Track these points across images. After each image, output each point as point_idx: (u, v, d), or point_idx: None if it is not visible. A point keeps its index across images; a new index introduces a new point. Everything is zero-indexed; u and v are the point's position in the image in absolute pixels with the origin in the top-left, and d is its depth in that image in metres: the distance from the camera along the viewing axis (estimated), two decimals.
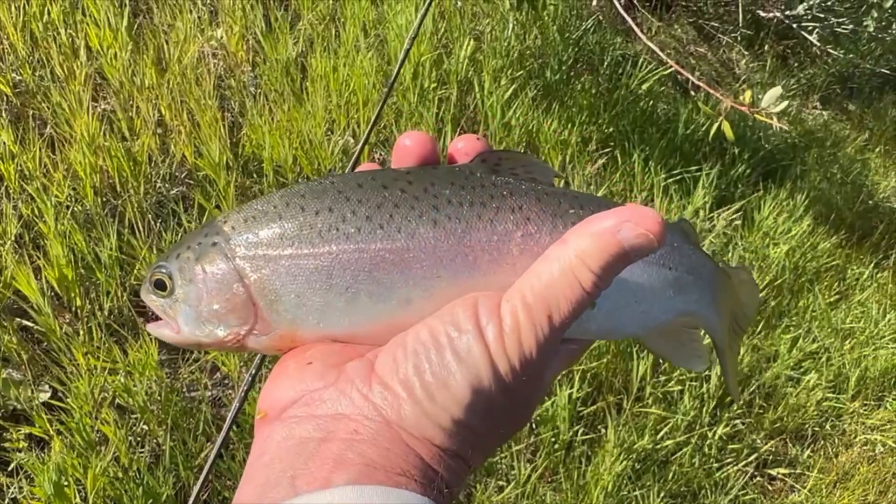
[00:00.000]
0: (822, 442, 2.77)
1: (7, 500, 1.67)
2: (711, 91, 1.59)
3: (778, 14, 4.26)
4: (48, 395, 1.87)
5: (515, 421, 0.53)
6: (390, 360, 0.50)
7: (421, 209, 0.55)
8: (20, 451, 1.72)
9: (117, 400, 1.86)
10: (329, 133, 2.72)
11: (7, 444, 1.75)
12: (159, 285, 0.57)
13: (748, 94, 1.39)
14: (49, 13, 2.68)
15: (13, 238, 2.01)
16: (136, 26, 2.80)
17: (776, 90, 1.33)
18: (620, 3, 3.22)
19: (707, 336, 0.74)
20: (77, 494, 1.66)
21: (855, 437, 2.82)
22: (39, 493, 1.60)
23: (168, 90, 2.57)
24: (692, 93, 3.96)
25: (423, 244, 0.54)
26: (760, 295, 2.94)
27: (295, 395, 0.50)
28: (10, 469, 1.71)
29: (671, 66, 3.38)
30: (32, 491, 1.63)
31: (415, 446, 0.48)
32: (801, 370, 2.86)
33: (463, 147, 0.61)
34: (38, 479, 1.59)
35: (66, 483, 1.64)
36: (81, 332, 1.93)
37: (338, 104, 2.77)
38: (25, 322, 1.96)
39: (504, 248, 0.56)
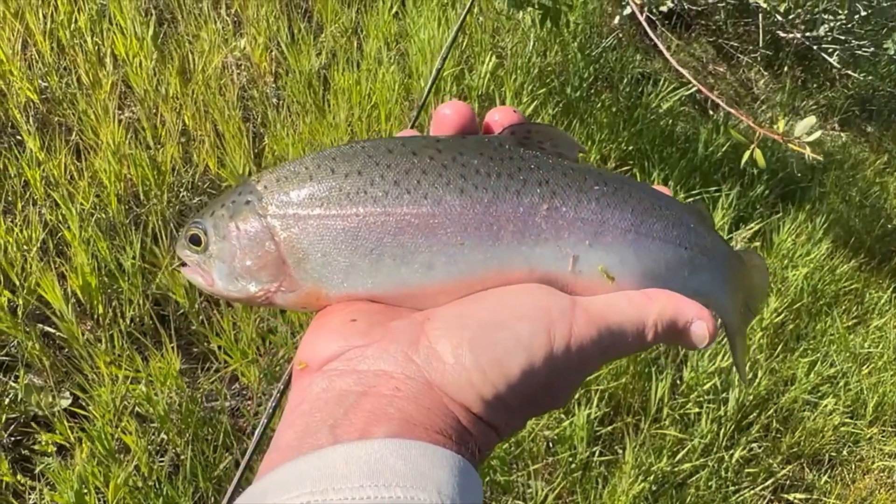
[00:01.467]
0: (840, 468, 2.75)
1: None
2: (742, 117, 1.59)
3: (798, 35, 4.26)
4: (69, 401, 1.88)
5: (551, 405, 0.55)
6: (445, 325, 0.52)
7: (448, 177, 0.56)
8: (48, 454, 1.72)
9: (137, 409, 1.86)
10: None
11: (35, 448, 1.76)
12: (194, 240, 0.59)
13: (781, 123, 1.38)
14: (76, 21, 2.70)
15: (38, 245, 2.03)
16: (161, 35, 2.82)
17: (810, 119, 1.32)
18: (642, 24, 3.23)
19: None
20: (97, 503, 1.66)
21: (872, 464, 2.80)
22: (61, 501, 1.60)
23: (192, 100, 2.58)
24: (711, 112, 3.95)
25: (448, 211, 0.55)
26: (780, 317, 2.92)
27: (338, 350, 0.51)
28: (34, 473, 1.71)
29: (691, 86, 3.37)
30: (54, 498, 1.63)
31: (453, 409, 0.49)
32: (819, 394, 2.84)
33: (500, 119, 0.62)
34: (61, 487, 1.59)
35: (86, 492, 1.64)
36: (103, 340, 1.93)
37: (359, 117, 2.78)
38: (47, 328, 1.97)
39: (529, 220, 0.57)
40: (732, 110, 1.67)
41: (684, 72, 1.77)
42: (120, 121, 2.43)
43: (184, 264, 0.61)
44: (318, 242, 0.55)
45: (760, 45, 4.28)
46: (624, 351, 0.56)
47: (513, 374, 0.50)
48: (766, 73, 4.52)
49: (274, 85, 2.92)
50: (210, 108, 2.59)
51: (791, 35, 4.30)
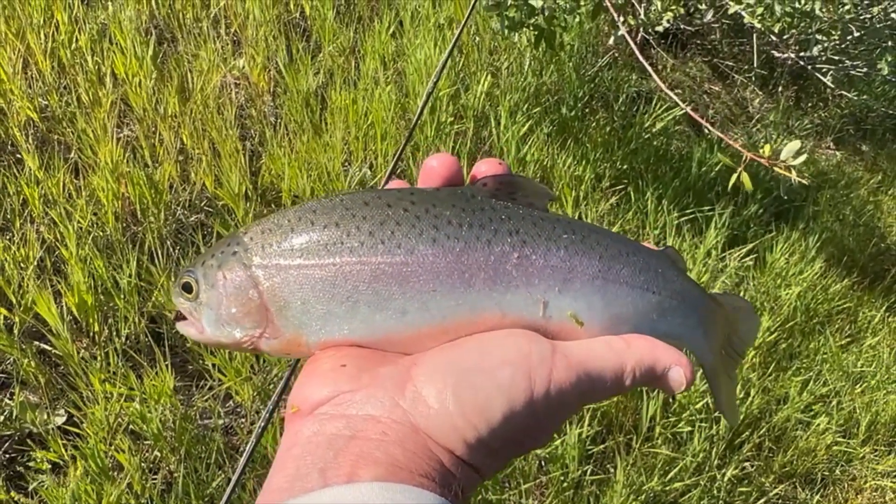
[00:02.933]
0: (832, 487, 2.75)
1: None
2: (729, 141, 1.61)
3: (792, 55, 4.30)
4: (63, 419, 1.89)
5: (532, 445, 0.57)
6: (431, 371, 0.54)
7: (421, 228, 0.58)
8: (42, 472, 1.73)
9: (131, 426, 1.88)
10: (346, 165, 2.76)
11: (29, 465, 1.77)
12: (186, 288, 0.62)
13: (767, 147, 1.41)
14: (77, 41, 2.74)
15: (35, 263, 2.05)
16: (161, 55, 2.86)
17: (795, 144, 1.35)
18: (636, 44, 3.26)
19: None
20: None
21: (865, 483, 2.80)
22: None
23: (190, 119, 2.61)
24: (706, 131, 3.98)
25: (420, 260, 0.58)
26: (766, 329, 2.94)
27: (328, 395, 0.53)
28: (28, 491, 1.73)
29: (686, 104, 3.41)
30: None
31: (437, 452, 0.51)
32: (812, 413, 2.85)
33: (485, 170, 0.64)
34: None
35: None
36: (98, 358, 1.95)
37: (356, 136, 2.81)
38: (43, 346, 1.98)
39: (500, 268, 0.59)
40: (720, 134, 1.70)
41: (673, 96, 1.80)
42: (118, 139, 2.46)
43: (178, 318, 0.64)
44: (297, 291, 0.58)
45: (755, 64, 4.32)
46: (602, 395, 0.58)
47: (494, 418, 0.52)
48: (760, 93, 4.56)
49: (272, 104, 2.95)
50: (208, 126, 2.62)
51: (785, 55, 4.34)
